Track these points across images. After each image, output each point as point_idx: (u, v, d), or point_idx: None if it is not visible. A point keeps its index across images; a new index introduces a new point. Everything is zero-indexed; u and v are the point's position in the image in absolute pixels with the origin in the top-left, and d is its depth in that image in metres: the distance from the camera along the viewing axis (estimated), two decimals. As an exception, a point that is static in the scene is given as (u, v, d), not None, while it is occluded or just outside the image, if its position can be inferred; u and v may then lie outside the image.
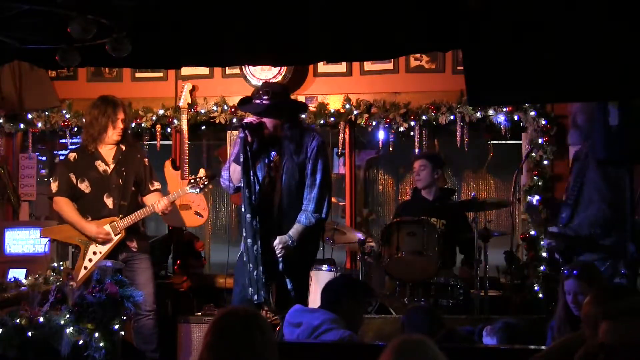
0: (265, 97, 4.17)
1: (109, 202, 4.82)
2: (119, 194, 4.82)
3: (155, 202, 4.79)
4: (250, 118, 4.25)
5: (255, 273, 4.07)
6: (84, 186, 4.84)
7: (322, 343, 3.45)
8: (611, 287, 3.58)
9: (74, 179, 4.86)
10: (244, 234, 4.15)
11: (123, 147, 4.89)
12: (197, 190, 4.79)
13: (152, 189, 4.95)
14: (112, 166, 4.84)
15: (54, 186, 4.93)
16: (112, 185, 4.83)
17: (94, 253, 4.81)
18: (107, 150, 4.87)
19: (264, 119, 4.19)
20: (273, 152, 4.26)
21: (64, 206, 4.86)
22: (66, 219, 4.91)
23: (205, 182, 4.74)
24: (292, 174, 4.24)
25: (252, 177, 4.16)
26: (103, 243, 4.79)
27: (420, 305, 4.70)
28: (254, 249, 4.08)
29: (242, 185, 4.12)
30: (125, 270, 4.68)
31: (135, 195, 4.90)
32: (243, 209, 4.13)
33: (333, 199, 5.32)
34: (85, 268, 4.81)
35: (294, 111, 4.46)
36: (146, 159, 4.99)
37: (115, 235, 4.79)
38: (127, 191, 4.84)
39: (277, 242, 4.20)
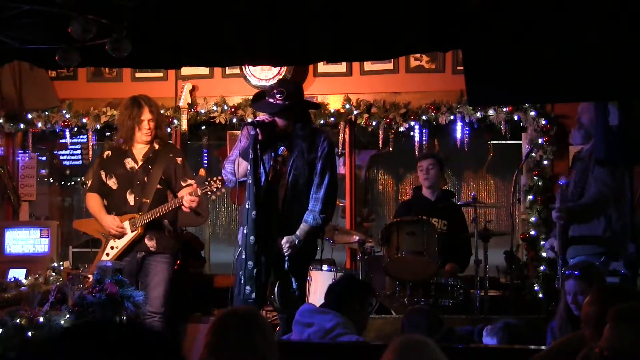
0: (279, 97, 4.15)
1: (130, 198, 4.79)
2: (141, 191, 4.78)
3: (183, 195, 4.67)
4: (262, 116, 4.25)
5: (254, 271, 4.06)
6: (112, 182, 4.84)
7: (331, 344, 3.46)
8: (611, 287, 3.58)
9: (103, 176, 4.87)
10: (245, 231, 4.12)
11: (156, 146, 4.86)
12: (210, 193, 4.66)
13: (183, 185, 4.83)
14: (140, 163, 4.82)
15: (89, 182, 5.01)
16: (135, 182, 4.80)
17: (112, 248, 4.79)
18: (139, 149, 4.86)
19: (276, 118, 4.19)
20: (282, 147, 4.25)
21: (90, 200, 4.90)
22: (90, 212, 4.94)
23: (219, 186, 4.62)
24: (301, 171, 4.24)
25: (261, 175, 4.16)
26: (119, 237, 4.76)
27: (420, 306, 4.71)
28: (255, 247, 4.07)
29: (250, 182, 4.09)
30: (141, 270, 4.71)
31: (162, 193, 4.83)
32: (248, 206, 4.11)
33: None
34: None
35: (306, 110, 4.46)
36: (179, 158, 4.90)
37: (132, 232, 4.75)
38: (150, 189, 4.78)
39: (285, 242, 4.19)
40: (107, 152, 4.95)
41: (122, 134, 4.86)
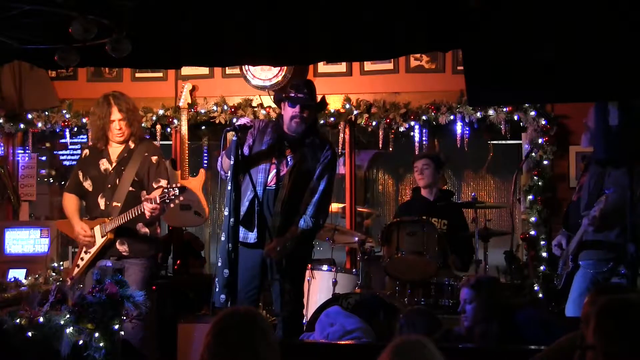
0: (306, 91, 4.27)
1: (101, 202, 4.66)
2: (111, 195, 4.63)
3: (144, 201, 4.51)
4: (243, 120, 4.25)
5: (230, 280, 4.04)
6: (88, 184, 4.72)
7: (332, 344, 3.49)
8: (611, 287, 3.57)
9: (81, 176, 4.75)
10: (223, 238, 4.07)
11: (132, 145, 4.70)
12: (168, 201, 4.42)
13: (155, 186, 4.65)
14: (113, 165, 4.68)
15: (68, 182, 4.88)
16: (107, 185, 4.66)
17: (85, 253, 4.69)
18: (115, 148, 4.72)
19: (305, 113, 4.26)
20: (291, 156, 4.28)
21: (65, 202, 4.79)
22: (65, 214, 4.83)
23: (176, 194, 4.39)
24: (302, 175, 4.28)
25: (244, 181, 4.18)
26: (87, 244, 4.64)
27: (418, 307, 4.71)
28: (232, 255, 4.05)
29: (229, 188, 4.06)
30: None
31: (136, 195, 4.64)
32: (226, 213, 4.08)
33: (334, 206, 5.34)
34: (78, 266, 4.71)
35: (321, 109, 4.61)
36: (155, 157, 4.72)
37: (102, 237, 4.61)
38: (121, 192, 4.62)
39: (275, 245, 4.20)
40: (86, 152, 4.83)
41: (94, 134, 4.75)
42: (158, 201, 4.42)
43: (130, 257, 4.63)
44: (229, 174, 4.17)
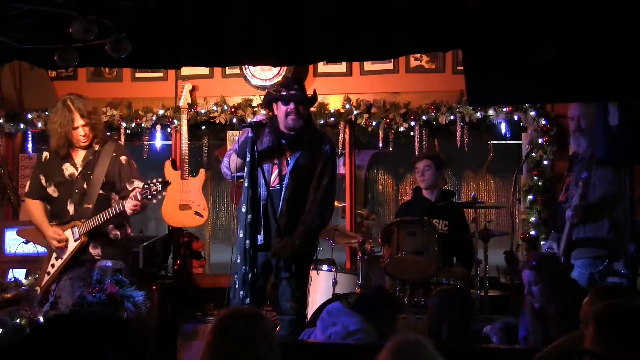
0: (296, 87, 4.26)
1: (71, 208, 4.50)
2: (80, 199, 4.47)
3: (125, 199, 4.38)
4: (259, 116, 4.28)
5: (249, 276, 4.07)
6: (52, 190, 4.57)
7: (333, 344, 3.48)
8: (610, 287, 3.57)
9: (43, 181, 4.59)
10: (240, 235, 4.13)
11: (96, 147, 4.54)
12: (150, 197, 4.32)
13: (129, 188, 4.50)
14: (79, 170, 4.52)
15: (27, 186, 4.72)
16: (75, 190, 4.50)
17: (56, 259, 4.52)
18: (79, 153, 4.56)
19: (300, 109, 4.25)
20: (291, 156, 4.28)
21: (31, 207, 4.63)
22: (32, 221, 4.66)
23: (159, 189, 4.31)
24: (303, 173, 4.28)
25: (258, 178, 4.19)
26: (61, 249, 4.47)
27: (451, 286, 4.69)
28: (250, 252, 4.08)
29: (246, 185, 4.11)
30: (87, 284, 4.18)
31: (106, 197, 4.51)
32: (244, 209, 4.12)
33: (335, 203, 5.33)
34: (48, 274, 4.53)
35: (313, 103, 4.59)
36: (123, 157, 4.56)
37: (75, 241, 4.45)
38: (91, 195, 4.46)
39: (284, 244, 4.20)
40: (45, 155, 4.68)
41: (56, 142, 4.55)
42: (139, 198, 4.31)
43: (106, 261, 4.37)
44: (242, 173, 4.19)
